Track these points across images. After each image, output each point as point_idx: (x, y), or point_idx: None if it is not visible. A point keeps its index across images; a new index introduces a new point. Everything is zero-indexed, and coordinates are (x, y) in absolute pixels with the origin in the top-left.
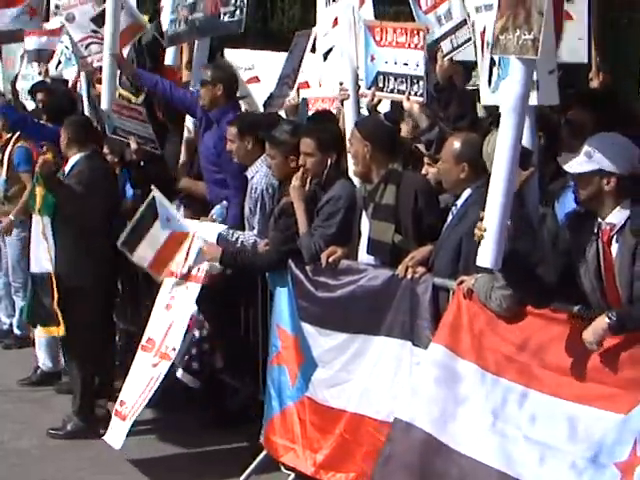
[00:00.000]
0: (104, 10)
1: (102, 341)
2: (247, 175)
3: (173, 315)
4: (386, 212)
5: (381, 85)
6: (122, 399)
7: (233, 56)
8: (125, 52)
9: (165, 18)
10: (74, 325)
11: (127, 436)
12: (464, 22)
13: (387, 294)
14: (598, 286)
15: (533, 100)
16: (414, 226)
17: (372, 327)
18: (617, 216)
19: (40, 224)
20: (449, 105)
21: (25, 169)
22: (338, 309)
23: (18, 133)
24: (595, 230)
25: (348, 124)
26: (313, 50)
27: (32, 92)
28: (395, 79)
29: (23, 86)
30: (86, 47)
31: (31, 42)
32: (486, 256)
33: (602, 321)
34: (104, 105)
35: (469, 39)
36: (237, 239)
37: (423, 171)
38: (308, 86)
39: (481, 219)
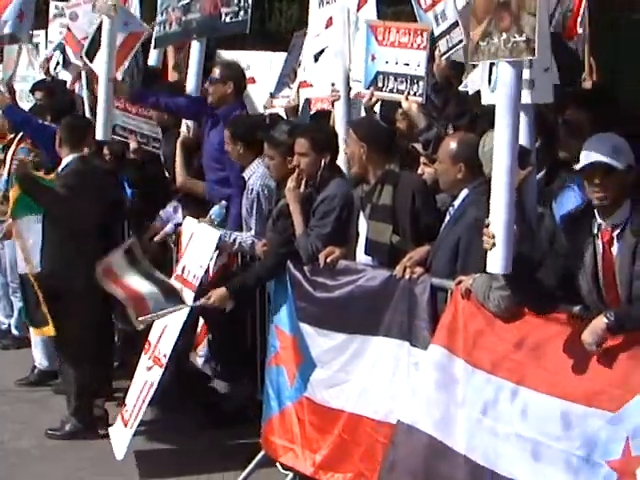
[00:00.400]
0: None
1: (98, 342)
2: (244, 176)
3: (168, 319)
4: (383, 213)
5: (380, 85)
6: (126, 402)
7: (227, 57)
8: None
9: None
10: (67, 326)
11: None
12: (456, 23)
13: (385, 294)
14: (595, 287)
15: (528, 98)
16: (412, 226)
17: (370, 327)
18: (619, 216)
19: (19, 225)
20: (447, 104)
21: None
22: (336, 309)
23: (22, 133)
24: (595, 231)
25: (339, 125)
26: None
27: (33, 91)
28: (395, 79)
29: (23, 87)
30: None
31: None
32: (496, 262)
33: (600, 321)
34: (99, 135)
35: (461, 40)
36: (234, 240)
37: (419, 171)
38: (309, 85)
39: (487, 225)
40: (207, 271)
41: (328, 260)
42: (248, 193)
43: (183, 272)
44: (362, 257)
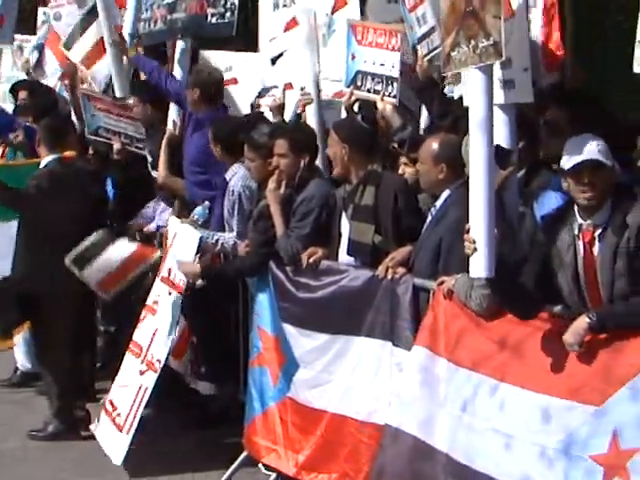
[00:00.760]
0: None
1: (80, 343)
2: (226, 177)
3: (158, 322)
4: (366, 213)
5: (359, 84)
6: (112, 399)
7: (210, 58)
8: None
9: (128, 17)
10: (46, 328)
11: None
12: (435, 28)
13: (367, 295)
14: (576, 288)
15: (507, 98)
16: (394, 227)
17: (353, 328)
18: (600, 216)
19: None
20: (431, 104)
21: None
22: (319, 310)
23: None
24: (576, 231)
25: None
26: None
27: (13, 91)
28: (373, 79)
29: (6, 89)
30: None
31: None
32: (479, 266)
33: (582, 321)
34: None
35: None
36: (217, 241)
37: (400, 171)
38: (291, 87)
39: (467, 231)
40: None
41: (311, 260)
42: (229, 194)
43: (170, 274)
44: (344, 257)
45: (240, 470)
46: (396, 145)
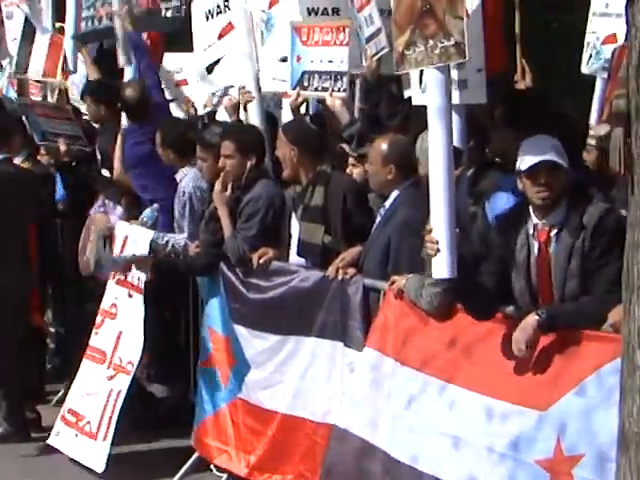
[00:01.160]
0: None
1: (29, 344)
2: (176, 178)
3: (120, 325)
4: (315, 213)
5: (306, 84)
6: (72, 408)
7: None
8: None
9: (69, 19)
10: None
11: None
12: (380, 30)
13: (318, 295)
14: (527, 288)
15: (460, 99)
16: (343, 227)
17: (304, 328)
18: (556, 216)
19: None
20: (379, 104)
21: None
22: (270, 311)
23: None
24: (531, 231)
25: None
26: None
27: None
28: (320, 77)
29: None
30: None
31: None
32: (442, 267)
33: (531, 319)
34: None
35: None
36: (167, 242)
37: (347, 171)
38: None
39: (429, 231)
40: None
41: (261, 261)
42: (180, 195)
43: (127, 276)
44: (295, 258)
45: (191, 472)
46: (344, 145)
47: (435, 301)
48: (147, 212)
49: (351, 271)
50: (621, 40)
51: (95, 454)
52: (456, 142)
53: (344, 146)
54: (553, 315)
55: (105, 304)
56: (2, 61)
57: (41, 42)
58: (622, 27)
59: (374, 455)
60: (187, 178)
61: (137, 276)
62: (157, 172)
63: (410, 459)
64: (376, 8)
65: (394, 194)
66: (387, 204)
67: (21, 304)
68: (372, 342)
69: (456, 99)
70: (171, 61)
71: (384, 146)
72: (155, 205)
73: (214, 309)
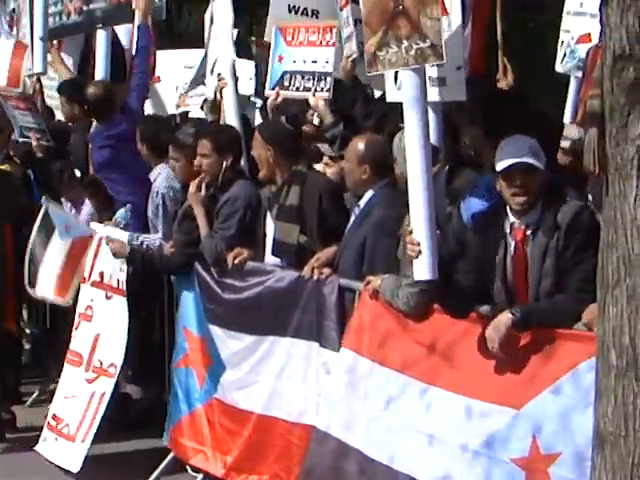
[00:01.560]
0: None
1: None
2: (150, 177)
3: (97, 327)
4: (290, 213)
5: (287, 84)
6: (55, 413)
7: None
8: None
9: (37, 14)
10: None
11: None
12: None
13: (294, 295)
14: (503, 287)
15: (439, 96)
16: (319, 226)
17: (279, 328)
18: (532, 215)
19: None
20: (355, 105)
21: None
22: (245, 311)
23: None
24: (507, 230)
25: (228, 111)
26: None
27: None
28: (302, 77)
29: None
30: None
31: None
32: (423, 268)
33: (505, 317)
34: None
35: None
36: (142, 242)
37: (320, 169)
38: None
39: (410, 232)
40: None
41: (236, 261)
42: (154, 195)
43: (103, 278)
44: (270, 258)
45: (166, 472)
46: (319, 144)
47: (412, 301)
48: (121, 212)
49: (326, 271)
50: (595, 40)
51: (71, 455)
52: (433, 140)
53: (319, 145)
54: (527, 313)
55: (80, 307)
56: None
57: (4, 48)
58: (597, 27)
59: (350, 455)
60: (160, 178)
61: (116, 277)
62: (122, 176)
63: (387, 459)
64: (351, 12)
65: (369, 194)
66: (362, 203)
67: (8, 308)
68: (348, 343)
69: (435, 96)
70: None
71: (361, 145)
72: (128, 205)
73: (189, 309)
